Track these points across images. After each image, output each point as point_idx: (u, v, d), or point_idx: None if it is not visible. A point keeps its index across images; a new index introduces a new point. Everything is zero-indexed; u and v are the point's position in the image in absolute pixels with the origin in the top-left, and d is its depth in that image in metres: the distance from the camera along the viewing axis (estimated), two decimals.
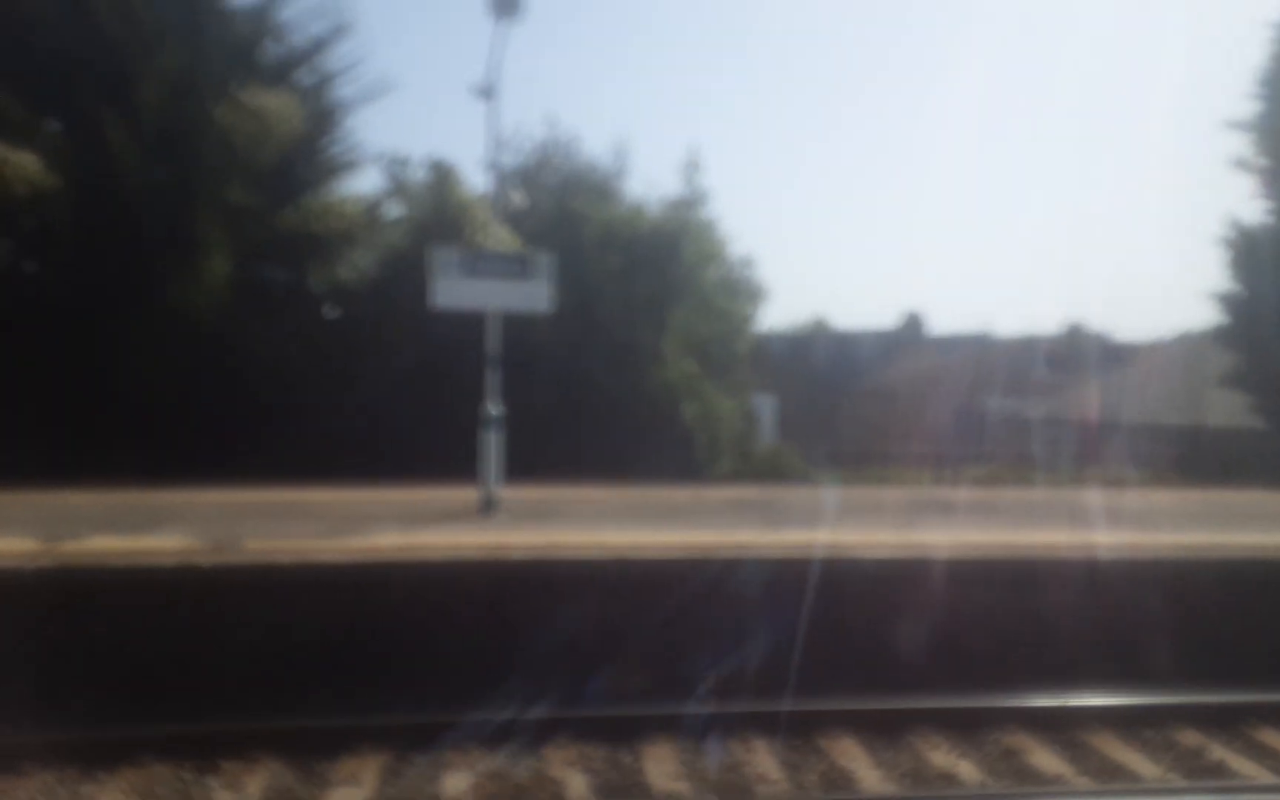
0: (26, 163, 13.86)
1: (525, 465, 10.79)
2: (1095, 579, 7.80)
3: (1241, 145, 22.15)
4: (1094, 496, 13.14)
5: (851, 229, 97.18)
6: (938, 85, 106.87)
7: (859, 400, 38.53)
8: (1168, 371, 29.36)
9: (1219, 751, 6.16)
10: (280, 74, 16.82)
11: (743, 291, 22.17)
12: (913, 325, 49.08)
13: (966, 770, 5.81)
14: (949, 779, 5.69)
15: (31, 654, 6.31)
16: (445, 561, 7.36)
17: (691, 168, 20.07)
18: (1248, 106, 21.99)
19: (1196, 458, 22.06)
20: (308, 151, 16.87)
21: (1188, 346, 29.04)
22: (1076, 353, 36.58)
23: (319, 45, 17.40)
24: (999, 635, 7.46)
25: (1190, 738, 6.36)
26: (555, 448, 13.97)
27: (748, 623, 7.11)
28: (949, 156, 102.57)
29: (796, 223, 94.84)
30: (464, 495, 10.12)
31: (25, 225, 14.56)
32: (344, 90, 17.67)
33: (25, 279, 15.20)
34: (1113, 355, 35.63)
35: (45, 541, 7.41)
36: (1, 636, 6.29)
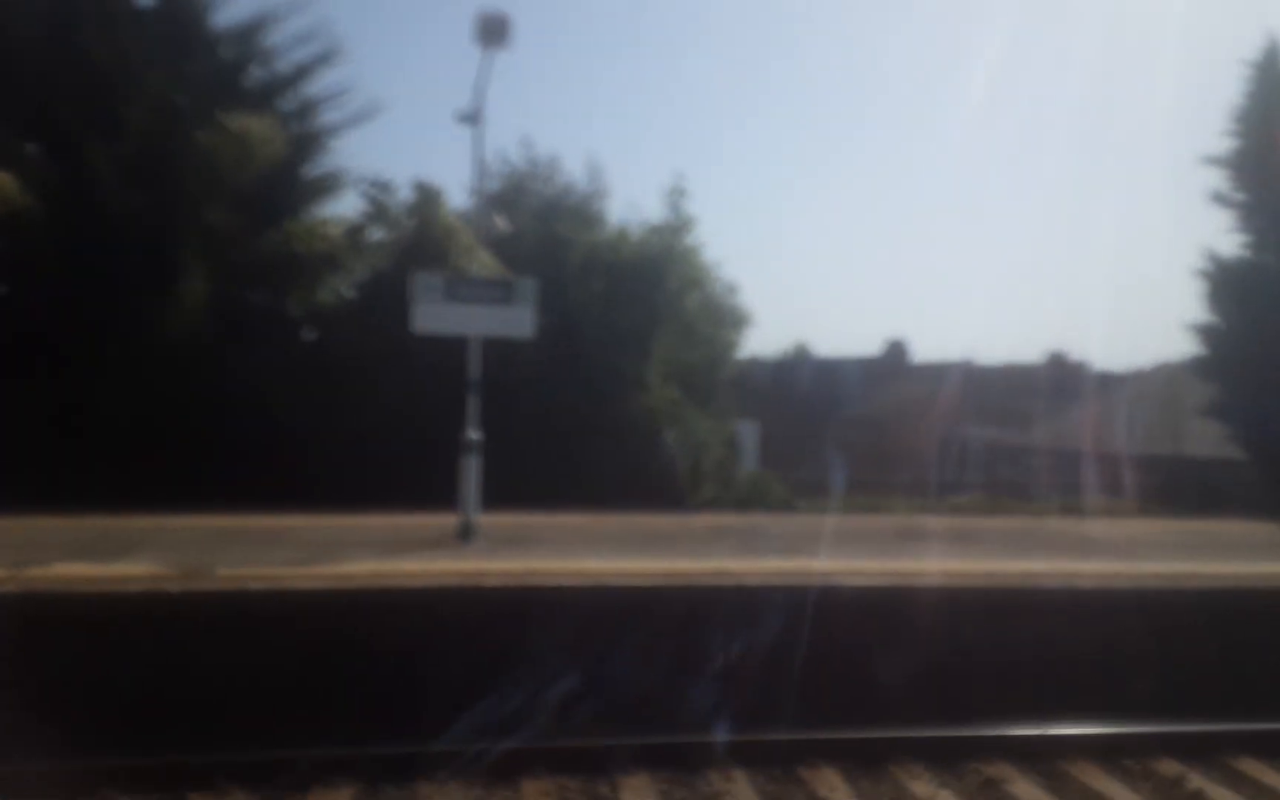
0: (3, 183, 13.74)
1: (505, 492, 10.69)
2: (1075, 608, 7.79)
3: (1219, 180, 22.51)
4: (1075, 525, 13.17)
5: (835, 256, 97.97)
6: (922, 116, 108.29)
7: (841, 427, 38.61)
8: (1148, 401, 29.61)
9: (1197, 781, 6.13)
10: (264, 98, 16.78)
11: (726, 318, 22.21)
12: (896, 352, 49.35)
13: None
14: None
15: None
16: (421, 589, 7.26)
17: (676, 194, 20.16)
18: (1225, 143, 22.39)
19: (1176, 487, 22.19)
20: (290, 175, 16.79)
21: (1167, 376, 29.32)
22: (1058, 382, 36.85)
23: (304, 71, 17.38)
24: (980, 664, 7.43)
25: (1169, 767, 6.32)
26: (535, 474, 13.87)
27: (727, 648, 7.06)
28: (933, 185, 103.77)
29: (780, 249, 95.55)
30: (442, 522, 10.02)
31: (1, 247, 14.41)
32: (328, 115, 17.66)
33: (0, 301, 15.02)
34: (1094, 384, 35.92)
35: (10, 567, 7.26)
36: None
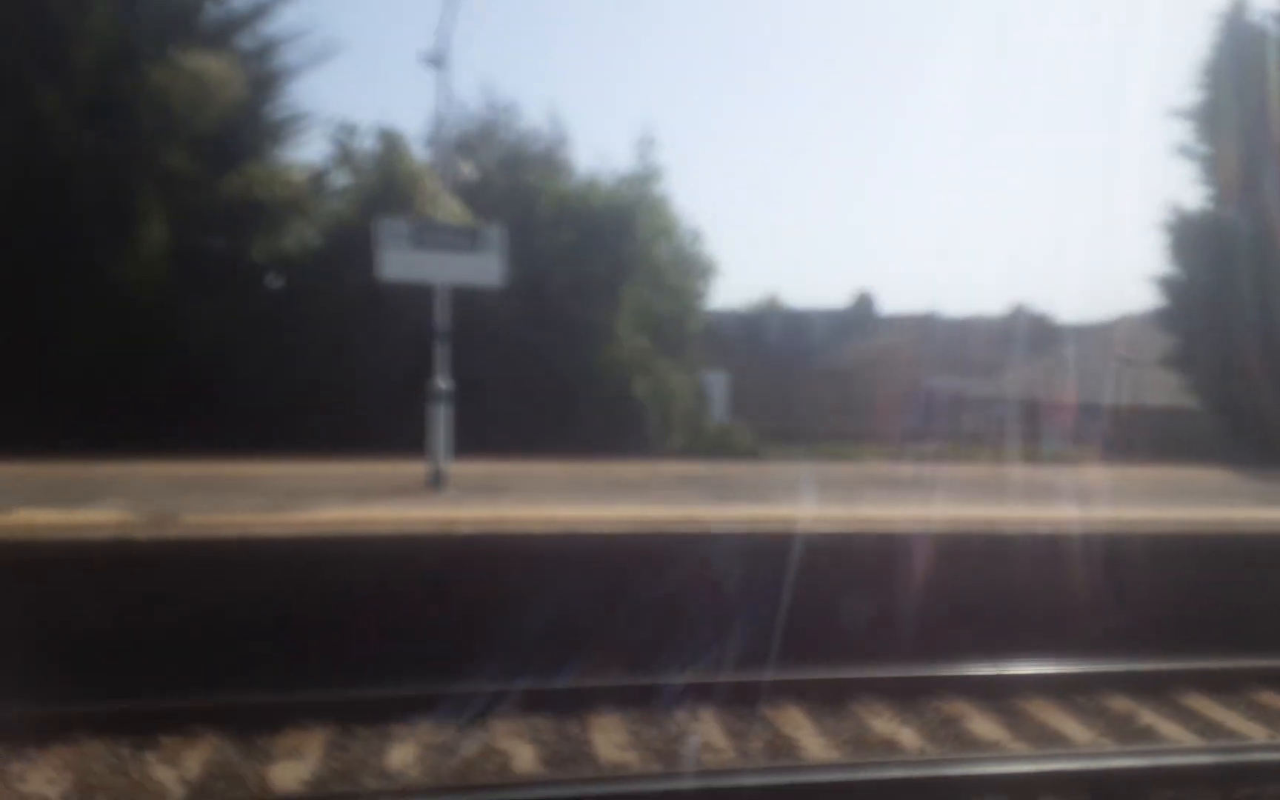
0: None
1: (475, 440, 10.70)
2: (1033, 553, 8.00)
3: (1183, 132, 22.70)
4: (1036, 473, 13.46)
5: (804, 208, 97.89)
6: (890, 68, 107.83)
7: (811, 378, 38.90)
8: (1109, 352, 30.11)
9: (1148, 717, 6.37)
10: (221, 37, 16.34)
11: (695, 268, 22.18)
12: (864, 304, 49.57)
13: (908, 736, 5.93)
14: (890, 745, 5.80)
15: None
16: (391, 536, 7.27)
17: (645, 143, 19.99)
18: (1190, 95, 22.54)
19: (1136, 436, 22.68)
20: (250, 117, 16.43)
21: (1128, 327, 29.81)
22: (1020, 333, 37.35)
23: (261, 8, 16.93)
24: (942, 606, 7.62)
25: (1120, 704, 6.56)
26: (505, 423, 13.88)
27: (692, 595, 7.17)
28: (900, 137, 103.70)
29: (749, 200, 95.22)
30: (412, 470, 10.01)
31: None
32: (289, 55, 17.25)
33: None
34: (1055, 335, 36.45)
35: None
36: None
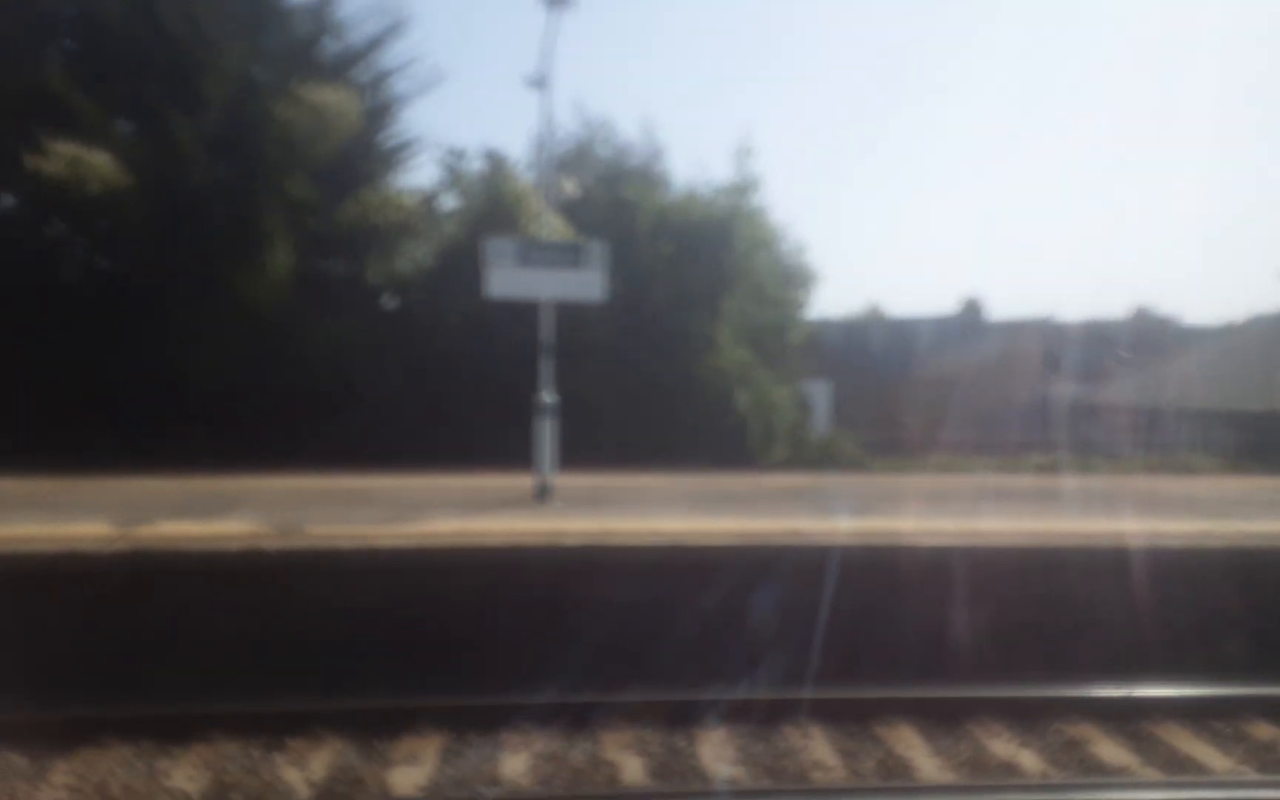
0: (100, 163, 14.36)
1: (579, 453, 10.88)
2: (1157, 569, 7.60)
3: None
4: (1161, 484, 12.77)
5: (908, 215, 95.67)
6: (997, 67, 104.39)
7: (916, 387, 37.93)
8: (1240, 355, 28.33)
9: None
10: (338, 70, 17.15)
11: (796, 278, 21.96)
12: (971, 311, 48.12)
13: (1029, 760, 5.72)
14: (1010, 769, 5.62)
15: (108, 633, 6.59)
16: (502, 548, 7.47)
17: (743, 153, 19.91)
18: None
19: (1269, 444, 21.27)
20: (365, 145, 17.18)
21: (1261, 329, 27.98)
22: (1144, 337, 35.51)
23: (375, 41, 17.73)
24: (1056, 623, 7.32)
25: (1262, 730, 6.17)
26: (608, 436, 14.05)
27: (801, 608, 7.10)
28: (1011, 138, 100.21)
29: (852, 209, 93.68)
30: (519, 482, 10.24)
31: (100, 224, 15.11)
32: (399, 84, 17.98)
33: (100, 275, 15.77)
34: (1182, 339, 34.51)
35: (121, 526, 7.70)
36: (81, 616, 6.58)
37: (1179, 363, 31.25)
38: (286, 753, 5.66)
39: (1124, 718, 6.26)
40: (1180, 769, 5.66)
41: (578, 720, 5.98)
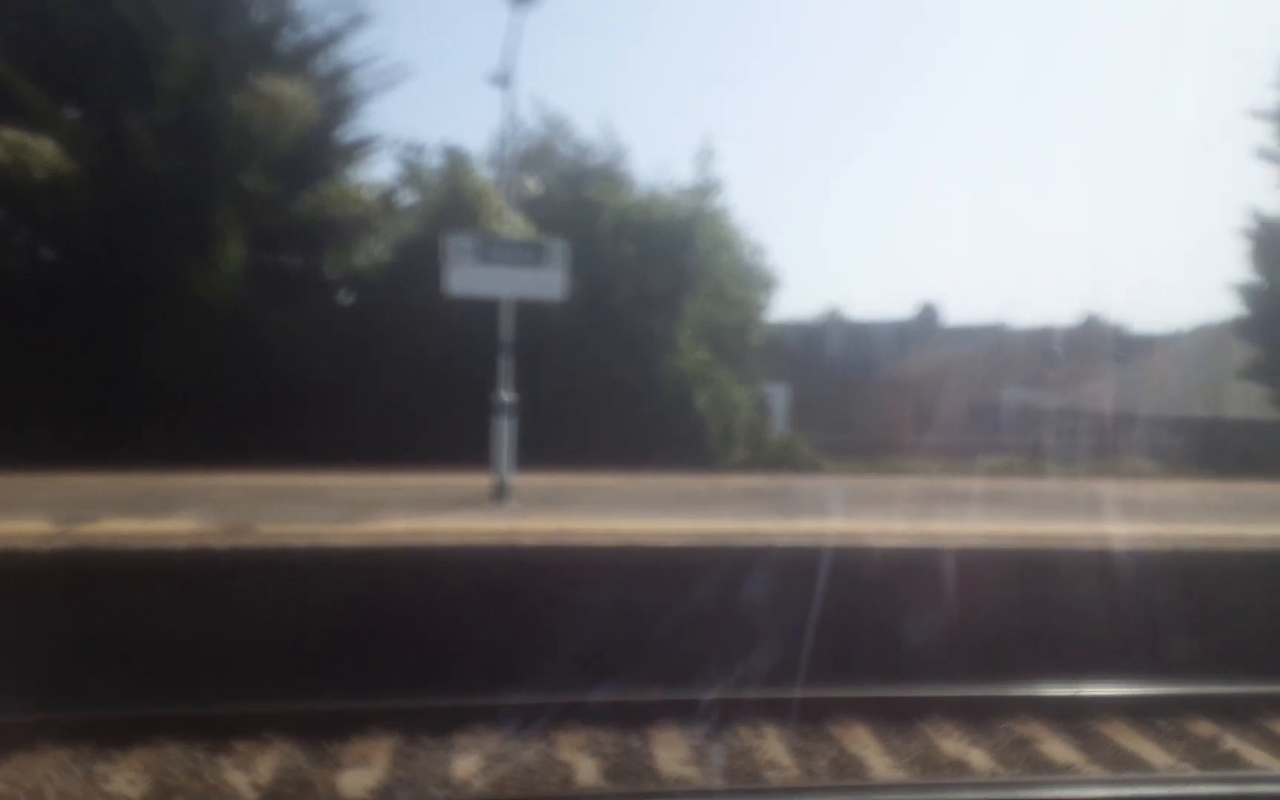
0: (45, 150, 13.97)
1: (537, 452, 10.80)
2: (1107, 571, 7.75)
3: (1264, 135, 21.89)
4: (1108, 488, 13.05)
5: (867, 220, 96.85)
6: (955, 74, 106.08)
7: (872, 389, 38.38)
8: (1186, 363, 29.08)
9: (1233, 742, 6.12)
10: (297, 62, 16.87)
11: (756, 280, 22.06)
12: (927, 316, 48.80)
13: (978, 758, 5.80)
14: (960, 767, 5.68)
15: (46, 634, 6.40)
16: (457, 547, 7.39)
17: (705, 155, 19.94)
18: (1271, 96, 21.73)
19: (1215, 450, 21.85)
20: (323, 139, 16.92)
21: (1206, 338, 28.76)
22: (1093, 344, 36.28)
23: (335, 34, 17.45)
24: (1011, 625, 7.44)
25: (1204, 728, 6.32)
26: (567, 435, 13.98)
27: (760, 611, 7.13)
28: (966, 146, 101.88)
29: (811, 212, 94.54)
30: (476, 482, 10.15)
31: (44, 212, 14.69)
32: (360, 79, 17.73)
33: (44, 266, 15.35)
34: (1130, 346, 35.34)
35: (61, 523, 7.49)
36: (16, 617, 6.38)
37: (1127, 369, 32.00)
38: (232, 755, 5.54)
39: (1071, 717, 6.38)
40: (1124, 766, 5.78)
41: (531, 721, 5.93)
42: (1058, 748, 5.98)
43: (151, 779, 5.25)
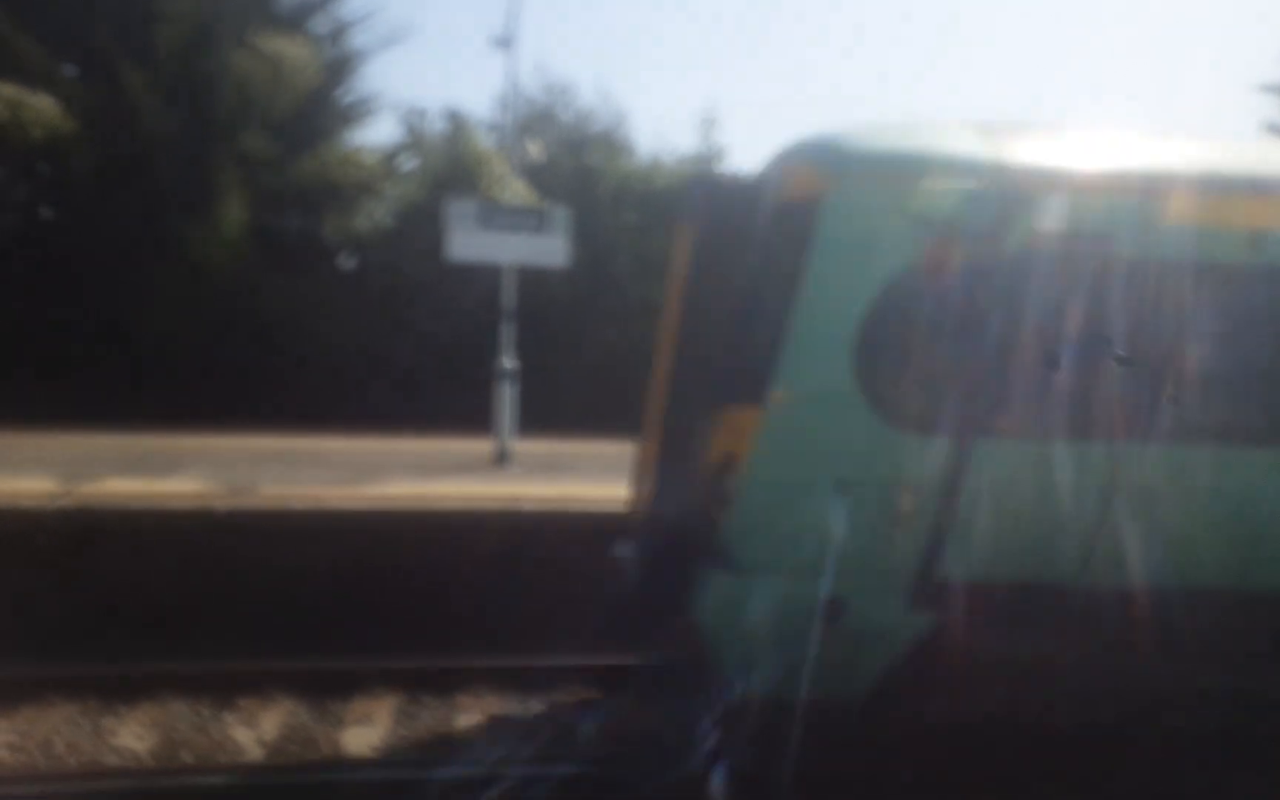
0: (43, 106, 13.86)
1: (538, 418, 10.85)
2: None
3: (1274, 110, 21.71)
4: None
5: None
6: (967, 41, 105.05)
7: None
8: None
9: None
10: (297, 21, 16.71)
11: None
12: None
13: None
14: None
15: (51, 591, 6.46)
16: (458, 511, 7.43)
17: (708, 123, 19.84)
18: None
19: None
20: (324, 100, 16.79)
21: None
22: None
23: None
24: None
25: None
26: (568, 402, 14.01)
27: None
28: (971, 105, 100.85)
29: None
30: (478, 447, 10.20)
31: (42, 171, 14.61)
32: (360, 37, 17.58)
33: (42, 225, 15.27)
34: None
35: (64, 483, 7.52)
36: (23, 573, 6.43)
37: None
38: (237, 711, 5.62)
39: None
40: None
41: (534, 683, 6.01)
42: None
43: (159, 734, 5.32)
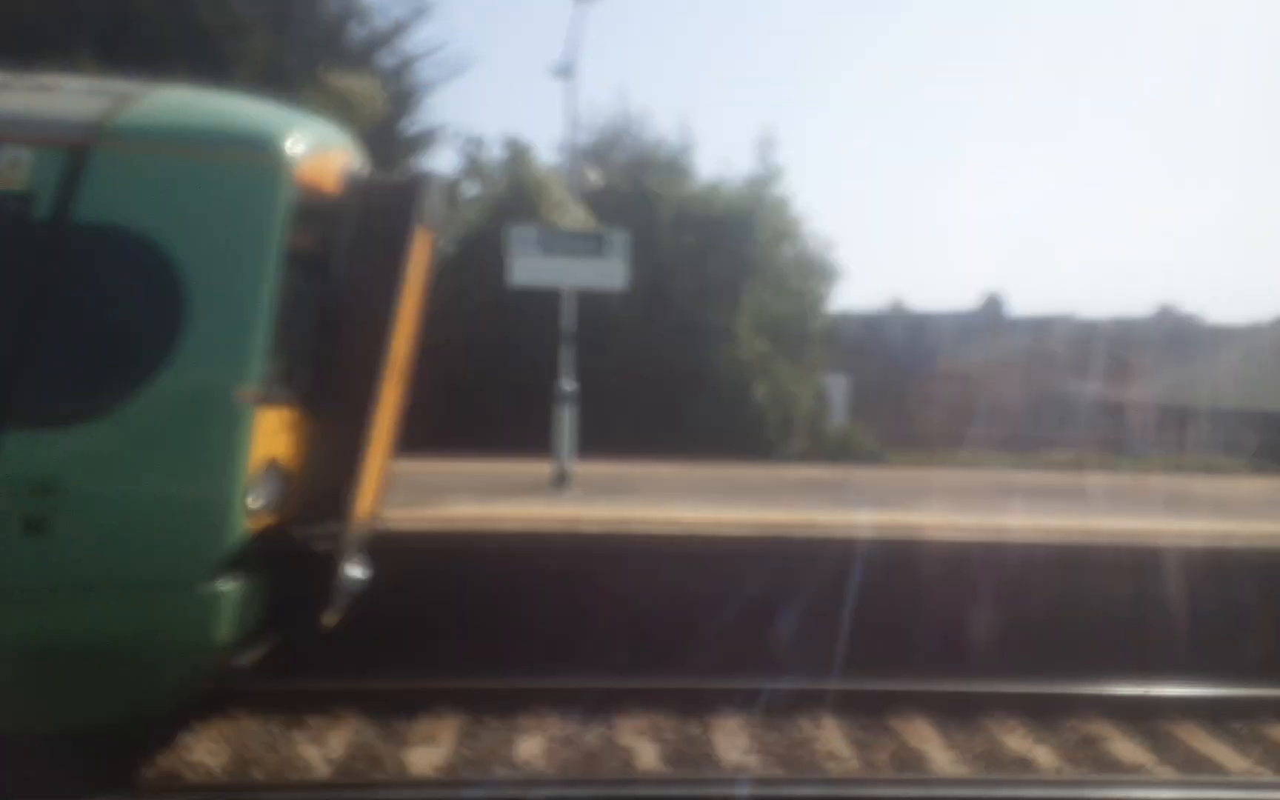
0: None
1: (597, 441, 10.92)
2: (1178, 569, 7.55)
3: None
4: (1182, 483, 12.68)
5: (930, 209, 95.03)
6: (1020, 60, 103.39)
7: (934, 381, 37.72)
8: (1265, 356, 28.01)
9: None
10: (363, 56, 17.24)
11: (817, 271, 21.89)
12: (992, 306, 47.75)
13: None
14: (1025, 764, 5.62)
15: None
16: (521, 533, 7.52)
17: (766, 145, 19.88)
18: None
19: None
20: (389, 132, 17.26)
21: None
22: (1167, 335, 35.16)
23: (400, 26, 17.80)
24: (1073, 622, 7.30)
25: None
26: (626, 424, 14.08)
27: (816, 601, 7.11)
28: (1032, 133, 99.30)
29: (873, 202, 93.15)
30: (538, 469, 10.30)
31: None
32: (424, 71, 18.07)
33: None
34: (1206, 338, 34.15)
35: None
36: None
37: (1203, 362, 30.94)
38: (306, 730, 5.74)
39: (1142, 716, 6.25)
40: (1197, 768, 5.64)
41: (594, 706, 6.03)
42: (1124, 746, 5.87)
43: (230, 750, 5.47)
